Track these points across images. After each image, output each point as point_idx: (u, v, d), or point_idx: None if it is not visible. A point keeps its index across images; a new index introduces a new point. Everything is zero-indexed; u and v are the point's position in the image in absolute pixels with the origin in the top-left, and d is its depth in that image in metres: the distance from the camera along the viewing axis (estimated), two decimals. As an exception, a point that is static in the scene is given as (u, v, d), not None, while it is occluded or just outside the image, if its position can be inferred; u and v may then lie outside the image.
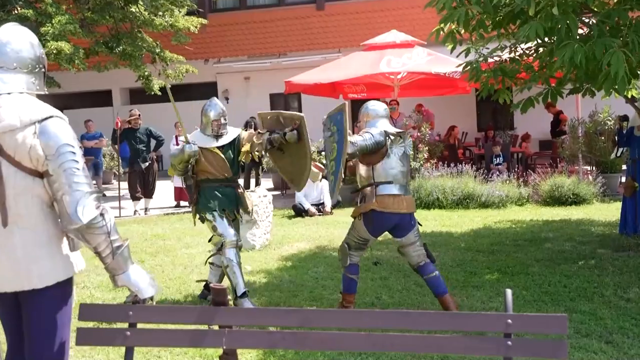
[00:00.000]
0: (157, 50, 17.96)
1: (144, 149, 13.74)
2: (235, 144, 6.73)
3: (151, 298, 3.28)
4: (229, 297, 5.51)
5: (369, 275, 7.51)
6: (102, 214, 3.06)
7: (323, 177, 6.76)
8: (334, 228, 11.13)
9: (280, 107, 23.92)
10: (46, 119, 3.01)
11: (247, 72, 23.84)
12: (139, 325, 3.22)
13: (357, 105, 10.82)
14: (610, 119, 13.73)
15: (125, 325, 3.20)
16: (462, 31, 7.71)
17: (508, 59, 8.31)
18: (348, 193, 14.14)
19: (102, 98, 25.44)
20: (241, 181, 8.17)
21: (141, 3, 16.88)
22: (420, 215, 8.83)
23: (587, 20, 7.14)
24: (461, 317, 3.14)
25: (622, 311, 6.06)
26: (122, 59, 17.36)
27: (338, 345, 3.12)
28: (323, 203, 12.98)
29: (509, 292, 3.01)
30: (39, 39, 13.61)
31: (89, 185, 3.06)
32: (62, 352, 3.12)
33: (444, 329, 3.06)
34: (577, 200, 12.58)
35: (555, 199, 12.71)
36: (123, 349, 3.21)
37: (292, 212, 12.91)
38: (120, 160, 15.93)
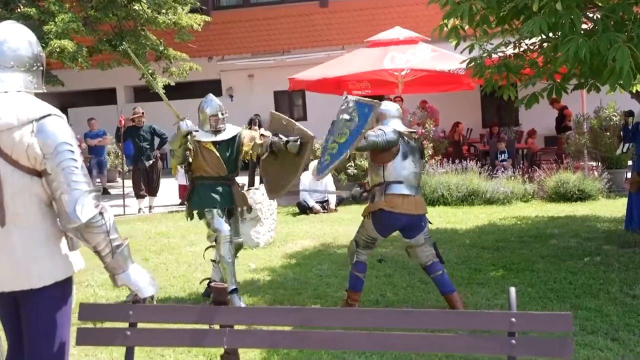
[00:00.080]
0: (161, 48, 17.94)
1: (148, 146, 13.72)
2: (234, 142, 6.69)
3: (151, 297, 3.25)
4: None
5: (373, 273, 7.47)
6: (101, 213, 3.03)
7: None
8: (339, 225, 11.10)
9: (285, 105, 23.93)
10: (44, 117, 2.98)
11: (250, 70, 23.81)
12: (140, 325, 3.20)
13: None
14: (615, 114, 13.65)
15: (126, 324, 3.18)
16: (466, 27, 7.68)
17: (512, 55, 8.26)
18: (353, 189, 14.17)
19: (106, 96, 25.45)
20: (245, 179, 8.16)
21: (144, 1, 16.87)
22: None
23: (591, 15, 7.09)
24: (464, 315, 3.11)
25: (628, 308, 6.01)
26: (125, 57, 17.34)
27: (339, 344, 3.09)
28: (327, 200, 12.94)
29: (512, 290, 2.98)
30: (42, 37, 13.68)
31: (88, 184, 3.03)
32: (61, 352, 3.10)
33: (447, 327, 3.03)
34: (582, 196, 12.53)
35: (561, 195, 12.66)
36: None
37: (297, 210, 12.88)
38: (124, 158, 15.93)
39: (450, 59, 14.10)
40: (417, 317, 3.09)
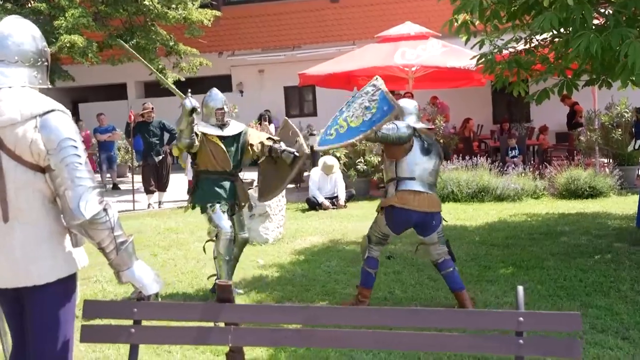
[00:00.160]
0: (171, 44, 17.95)
1: (158, 142, 13.71)
2: (239, 138, 6.74)
3: (156, 294, 3.23)
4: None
5: (382, 270, 7.41)
6: (105, 209, 3.00)
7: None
8: (348, 222, 11.07)
9: (295, 100, 23.92)
10: (47, 112, 2.96)
11: (261, 65, 23.79)
12: (144, 322, 3.18)
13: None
14: (627, 110, 13.56)
15: (130, 322, 3.16)
16: (477, 22, 7.62)
17: (523, 51, 8.19)
18: (362, 185, 14.15)
19: (117, 91, 25.49)
20: (251, 175, 8.16)
21: (154, -4, 16.88)
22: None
23: (602, 10, 7.01)
24: (472, 314, 3.07)
25: (638, 306, 5.94)
26: (135, 52, 17.35)
27: (345, 343, 3.06)
28: (337, 196, 12.90)
29: (520, 289, 2.94)
30: (52, 32, 13.72)
31: (92, 180, 3.01)
32: (65, 349, 3.08)
33: (454, 326, 3.00)
34: (593, 193, 12.43)
35: (572, 192, 12.56)
36: (134, 342, 3.17)
37: (306, 206, 12.85)
38: (134, 154, 15.93)
39: (461, 54, 14.03)
40: (424, 316, 3.05)
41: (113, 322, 3.37)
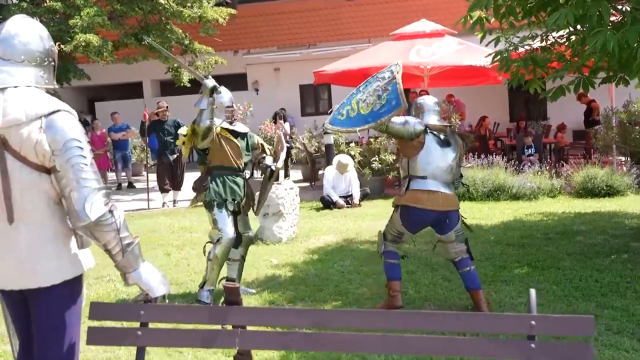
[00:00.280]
0: (186, 42, 17.97)
1: (172, 141, 13.67)
2: (246, 138, 6.85)
3: (163, 296, 3.19)
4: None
5: (395, 269, 7.38)
6: (111, 211, 2.97)
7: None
8: (362, 220, 11.02)
9: (310, 98, 23.91)
10: (53, 113, 2.93)
11: (277, 63, 23.80)
12: (151, 325, 3.15)
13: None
14: (645, 108, 13.41)
15: (137, 324, 3.13)
16: (492, 19, 7.55)
17: (539, 48, 8.10)
18: (377, 184, 14.10)
19: (132, 90, 25.59)
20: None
21: (169, -6, 16.90)
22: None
23: (619, 7, 6.92)
24: (482, 318, 3.01)
25: (655, 308, 5.87)
26: (151, 50, 17.40)
27: (353, 346, 3.01)
28: (351, 195, 12.85)
29: (532, 292, 2.87)
30: (68, 31, 13.75)
31: (98, 181, 2.98)
32: (71, 352, 3.05)
33: (465, 330, 2.94)
34: (610, 191, 12.31)
35: (588, 191, 12.44)
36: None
37: (320, 204, 12.80)
38: (149, 152, 15.94)
39: (477, 52, 13.92)
40: (435, 319, 3.00)
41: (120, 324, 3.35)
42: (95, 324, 3.30)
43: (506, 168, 13.16)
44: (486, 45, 8.37)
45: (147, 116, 13.92)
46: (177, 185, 14.06)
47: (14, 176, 2.92)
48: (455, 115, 14.57)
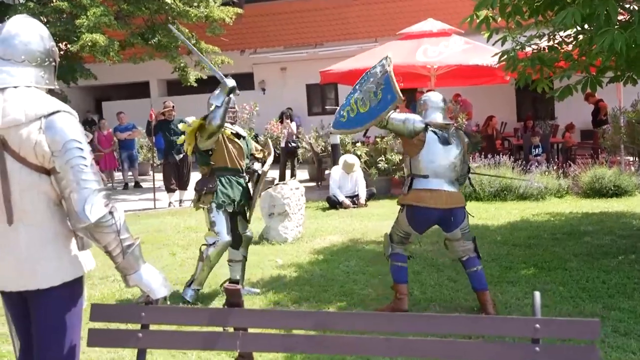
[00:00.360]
0: (193, 42, 17.95)
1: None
2: (246, 141, 6.90)
3: (164, 298, 3.17)
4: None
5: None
6: (111, 212, 2.95)
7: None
8: (368, 221, 10.98)
9: (317, 98, 23.88)
10: (52, 113, 2.91)
11: (283, 63, 23.78)
12: (152, 327, 3.12)
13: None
14: (654, 108, 13.34)
15: (138, 326, 3.11)
16: (498, 18, 7.50)
17: (546, 47, 8.05)
18: (383, 184, 14.06)
19: (139, 89, 25.61)
20: (271, 173, 8.19)
21: (176, -6, 16.89)
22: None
23: (627, 6, 6.87)
24: (486, 321, 2.98)
25: (663, 309, 5.82)
26: (157, 50, 17.40)
27: (356, 349, 2.98)
28: (357, 195, 12.81)
29: (537, 294, 2.84)
30: (74, 31, 13.74)
31: (98, 182, 2.95)
32: (71, 353, 3.03)
33: (469, 333, 2.91)
34: (618, 192, 12.22)
35: (596, 191, 12.37)
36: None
37: (327, 204, 12.77)
38: (155, 152, 15.93)
39: (484, 51, 13.85)
40: (439, 322, 2.97)
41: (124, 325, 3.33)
42: (97, 325, 3.28)
43: (513, 168, 13.10)
44: (493, 45, 8.33)
45: (153, 116, 13.91)
46: (183, 185, 14.05)
47: (13, 177, 2.90)
48: (462, 115, 14.51)
